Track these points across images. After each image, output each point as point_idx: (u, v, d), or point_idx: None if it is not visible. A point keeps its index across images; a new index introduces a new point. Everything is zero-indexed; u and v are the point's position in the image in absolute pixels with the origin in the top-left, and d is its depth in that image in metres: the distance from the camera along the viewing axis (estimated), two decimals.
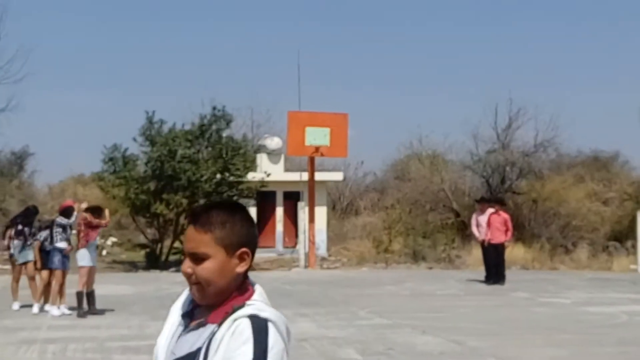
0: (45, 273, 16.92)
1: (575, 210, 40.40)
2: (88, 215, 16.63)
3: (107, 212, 17.30)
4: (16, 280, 17.47)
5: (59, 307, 16.43)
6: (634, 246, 31.80)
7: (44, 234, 16.95)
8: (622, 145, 71.00)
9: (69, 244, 16.70)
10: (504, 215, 23.96)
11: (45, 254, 16.83)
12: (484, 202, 25.24)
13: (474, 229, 24.61)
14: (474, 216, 25.01)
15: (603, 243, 37.74)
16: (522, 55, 78.56)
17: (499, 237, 23.70)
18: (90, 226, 16.54)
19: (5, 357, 11.56)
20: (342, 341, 12.99)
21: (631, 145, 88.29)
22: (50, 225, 16.94)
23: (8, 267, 29.53)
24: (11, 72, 46.87)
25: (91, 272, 16.42)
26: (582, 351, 12.35)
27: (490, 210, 24.06)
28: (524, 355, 11.83)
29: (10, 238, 17.51)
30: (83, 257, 16.31)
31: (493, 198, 30.13)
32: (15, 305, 17.22)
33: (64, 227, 16.67)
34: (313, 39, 79.17)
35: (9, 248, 17.75)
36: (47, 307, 16.71)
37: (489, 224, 23.88)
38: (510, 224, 23.88)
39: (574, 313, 17.30)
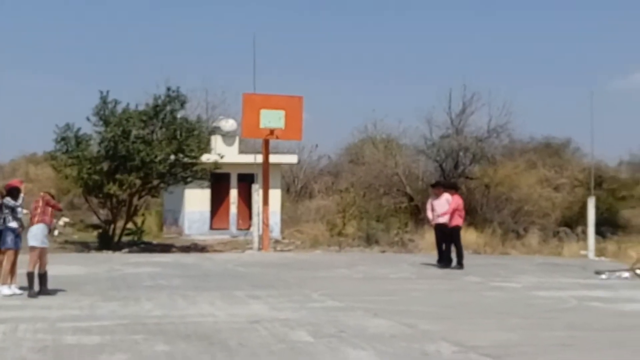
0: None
1: (527, 196, 40.89)
2: (48, 195, 16.64)
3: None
4: None
5: (9, 287, 16.32)
6: (584, 232, 32.18)
7: None
8: (573, 132, 71.98)
9: (20, 224, 16.55)
10: (452, 198, 24.13)
11: None
12: (439, 187, 25.40)
13: (429, 213, 24.77)
14: (429, 200, 25.16)
15: (554, 228, 38.24)
16: (476, 42, 79.15)
17: (454, 221, 23.94)
18: (50, 205, 16.47)
19: None
20: (294, 323, 13.02)
21: (582, 132, 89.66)
22: None
23: None
24: None
25: (42, 253, 16.31)
26: (532, 335, 12.47)
27: (447, 195, 24.25)
28: (475, 338, 11.94)
29: None
30: (35, 237, 16.18)
31: (446, 183, 30.31)
32: None
33: (12, 209, 16.52)
34: (269, 22, 79.31)
35: None
36: None
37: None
38: (447, 206, 23.98)
39: (525, 297, 17.47)
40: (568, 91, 76.11)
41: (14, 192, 16.78)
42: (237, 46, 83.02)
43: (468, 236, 32.64)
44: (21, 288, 16.29)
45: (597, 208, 31.51)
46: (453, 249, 24.30)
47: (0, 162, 54.69)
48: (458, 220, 24.22)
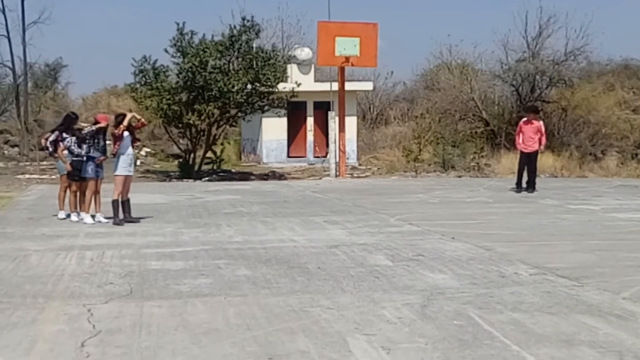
0: (76, 183, 17.13)
1: (605, 119, 40.36)
2: (111, 128, 16.85)
3: (128, 115, 17.05)
4: (64, 189, 17.64)
5: (94, 215, 16.70)
6: None
7: (69, 138, 17.01)
8: None
9: (103, 154, 16.85)
10: (537, 124, 23.71)
11: (79, 164, 16.97)
12: (531, 112, 24.73)
13: (519, 141, 24.10)
14: (520, 123, 24.43)
15: (632, 151, 37.79)
16: None
17: (532, 146, 23.54)
18: (114, 137, 16.69)
19: (44, 263, 11.78)
20: (372, 248, 13.19)
21: None
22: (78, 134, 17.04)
23: (45, 177, 30.08)
24: None
25: (126, 181, 16.64)
26: (610, 256, 12.46)
27: (523, 119, 23.97)
28: (552, 260, 11.97)
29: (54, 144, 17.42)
30: (116, 166, 16.56)
31: (527, 107, 29.87)
32: (61, 214, 17.43)
33: (93, 138, 16.76)
34: None
35: (49, 150, 17.67)
36: (82, 215, 16.98)
37: (520, 133, 23.75)
38: (543, 132, 23.62)
39: (603, 219, 17.41)
40: None
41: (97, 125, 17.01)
42: None
43: (545, 159, 32.39)
44: (106, 217, 16.68)
45: None
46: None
47: (83, 95, 55.62)
48: (538, 144, 23.92)
